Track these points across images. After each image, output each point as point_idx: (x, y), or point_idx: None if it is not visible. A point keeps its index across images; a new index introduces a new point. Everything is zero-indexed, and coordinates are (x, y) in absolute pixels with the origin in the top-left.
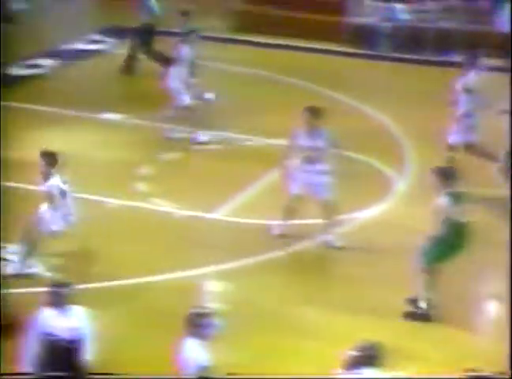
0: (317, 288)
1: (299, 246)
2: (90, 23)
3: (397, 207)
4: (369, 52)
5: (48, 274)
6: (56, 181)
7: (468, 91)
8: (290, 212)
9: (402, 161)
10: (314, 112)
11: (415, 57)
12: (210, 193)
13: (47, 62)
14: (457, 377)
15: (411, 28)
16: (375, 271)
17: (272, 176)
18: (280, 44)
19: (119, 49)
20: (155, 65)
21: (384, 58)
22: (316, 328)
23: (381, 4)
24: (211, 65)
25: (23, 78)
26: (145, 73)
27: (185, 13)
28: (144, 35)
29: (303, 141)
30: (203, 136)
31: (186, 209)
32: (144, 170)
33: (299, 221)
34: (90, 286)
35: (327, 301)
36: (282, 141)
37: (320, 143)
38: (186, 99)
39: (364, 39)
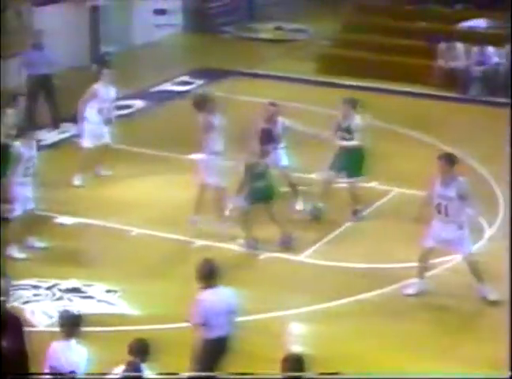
0: (404, 334)
1: (386, 290)
2: (180, 65)
3: (488, 254)
4: (460, 96)
5: None
6: None
7: None
8: (424, 267)
9: (494, 208)
10: (449, 159)
11: (507, 100)
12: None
13: (137, 103)
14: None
15: (503, 72)
16: (468, 319)
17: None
18: (369, 87)
19: (207, 90)
20: None
21: (475, 102)
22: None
23: (473, 47)
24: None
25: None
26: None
27: None
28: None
29: (437, 190)
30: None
31: (272, 251)
32: (229, 211)
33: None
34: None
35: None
36: (370, 184)
37: (452, 193)
38: None
39: (456, 82)
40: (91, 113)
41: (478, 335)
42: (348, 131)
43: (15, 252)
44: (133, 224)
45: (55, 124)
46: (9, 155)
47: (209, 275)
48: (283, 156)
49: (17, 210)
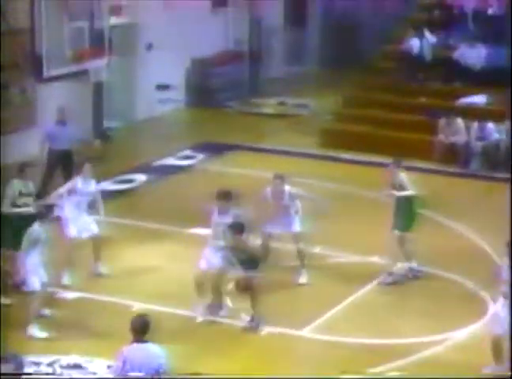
0: None
1: (392, 365)
2: (182, 139)
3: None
4: (461, 170)
5: None
6: None
7: None
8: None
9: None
10: None
11: (507, 175)
12: (298, 310)
13: (139, 177)
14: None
15: (503, 147)
16: None
17: (361, 293)
18: (371, 161)
19: (210, 164)
20: None
21: (476, 177)
22: None
23: (473, 123)
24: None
25: (115, 193)
26: None
27: None
28: None
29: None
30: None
31: (273, 325)
32: (232, 285)
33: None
34: None
35: None
36: (371, 258)
37: None
38: None
39: (456, 157)
40: (69, 206)
41: None
42: (396, 188)
43: (36, 331)
44: (135, 299)
45: None
46: (20, 223)
47: (140, 329)
48: (296, 222)
49: (36, 287)
